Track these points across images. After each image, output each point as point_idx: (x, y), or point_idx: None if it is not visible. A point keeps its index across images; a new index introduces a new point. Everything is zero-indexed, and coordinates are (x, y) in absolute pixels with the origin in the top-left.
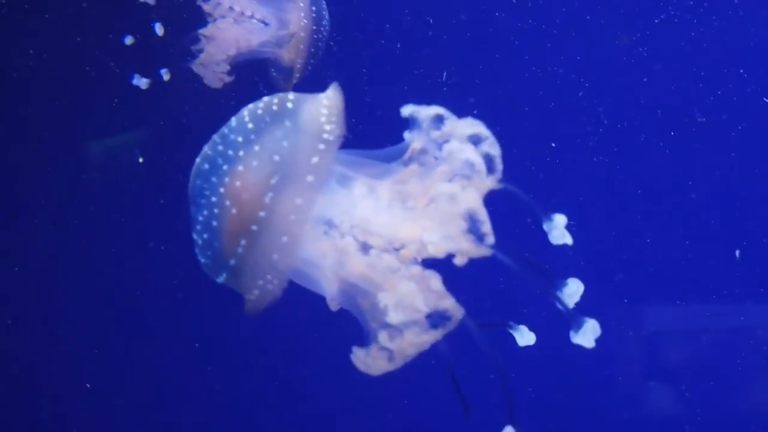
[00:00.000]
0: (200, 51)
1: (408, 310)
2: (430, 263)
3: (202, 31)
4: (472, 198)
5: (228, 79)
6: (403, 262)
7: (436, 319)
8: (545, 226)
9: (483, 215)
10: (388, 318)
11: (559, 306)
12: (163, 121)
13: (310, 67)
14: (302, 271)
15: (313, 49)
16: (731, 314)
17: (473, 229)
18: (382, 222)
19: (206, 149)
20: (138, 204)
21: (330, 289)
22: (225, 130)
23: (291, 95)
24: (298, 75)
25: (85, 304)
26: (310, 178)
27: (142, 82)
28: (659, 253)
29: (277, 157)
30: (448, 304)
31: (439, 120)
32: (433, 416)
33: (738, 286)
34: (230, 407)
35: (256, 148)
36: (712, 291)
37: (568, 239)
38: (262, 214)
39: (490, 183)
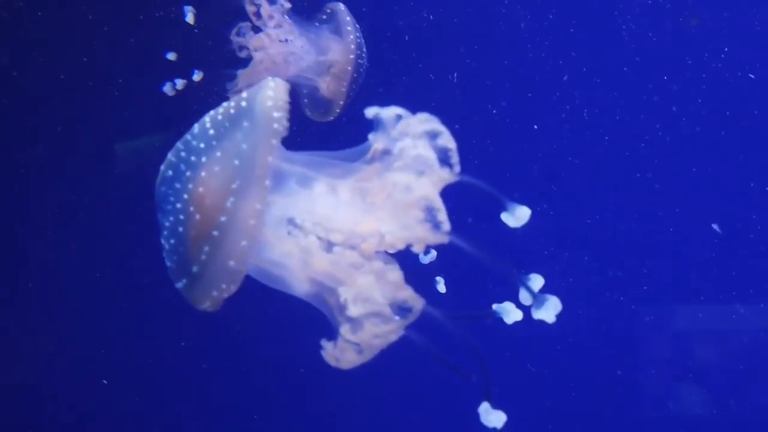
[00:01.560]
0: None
1: (367, 303)
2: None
3: (252, 40)
4: (426, 187)
5: None
6: (365, 257)
7: (398, 310)
8: (503, 215)
9: (438, 203)
10: (348, 311)
11: (523, 289)
12: (185, 126)
13: (352, 94)
14: (270, 272)
15: (356, 75)
16: (755, 314)
17: (430, 218)
18: (342, 218)
19: (170, 156)
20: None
21: (299, 289)
22: (188, 137)
23: (244, 94)
24: (339, 109)
25: (99, 303)
26: (268, 182)
27: (176, 83)
28: (683, 251)
29: (237, 162)
30: (407, 295)
31: (399, 119)
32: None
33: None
34: (228, 407)
35: (218, 153)
36: (734, 290)
37: (523, 216)
38: (223, 219)
39: (446, 175)
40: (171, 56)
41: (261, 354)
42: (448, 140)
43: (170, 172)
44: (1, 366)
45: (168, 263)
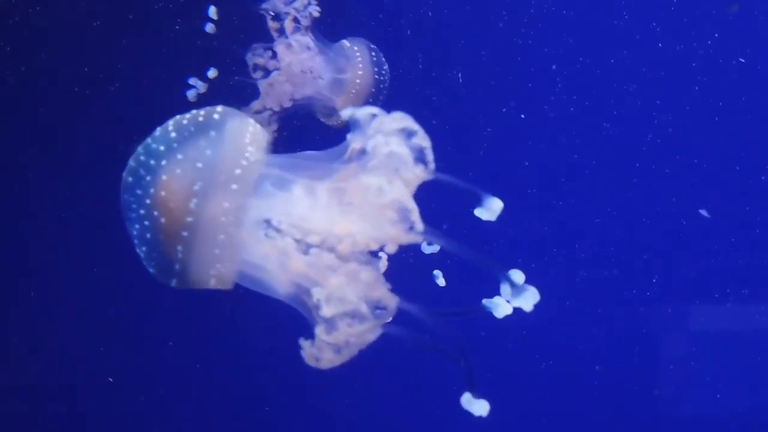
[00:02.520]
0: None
1: (340, 303)
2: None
3: (277, 43)
4: (398, 190)
5: (287, 104)
6: (342, 258)
7: (374, 310)
8: (477, 210)
9: (411, 204)
10: (321, 312)
11: (503, 279)
12: None
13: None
14: (248, 274)
15: (374, 90)
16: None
17: (404, 219)
18: (318, 220)
19: (131, 162)
20: None
21: (278, 290)
22: (148, 140)
23: (219, 108)
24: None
25: (99, 303)
26: (234, 186)
27: (198, 89)
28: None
29: (200, 164)
30: (380, 294)
31: (374, 118)
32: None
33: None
34: (227, 406)
35: (179, 156)
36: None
37: (496, 208)
38: (189, 219)
39: (421, 173)
40: (192, 81)
41: (260, 354)
42: (422, 138)
43: (130, 179)
44: (1, 366)
45: (150, 270)
